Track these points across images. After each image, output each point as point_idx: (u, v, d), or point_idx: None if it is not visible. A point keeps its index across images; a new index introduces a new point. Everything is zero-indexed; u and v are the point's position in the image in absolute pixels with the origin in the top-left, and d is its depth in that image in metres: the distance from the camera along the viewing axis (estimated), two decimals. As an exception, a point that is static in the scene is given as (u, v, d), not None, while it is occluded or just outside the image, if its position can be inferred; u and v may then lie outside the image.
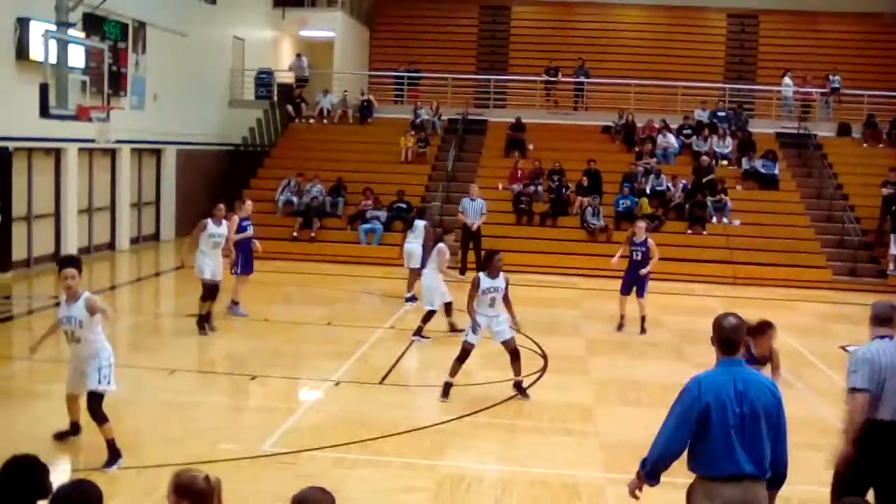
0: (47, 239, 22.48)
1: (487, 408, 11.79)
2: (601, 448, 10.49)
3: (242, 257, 16.78)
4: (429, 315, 15.71)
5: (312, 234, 25.24)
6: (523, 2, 39.16)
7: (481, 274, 12.21)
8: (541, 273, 23.11)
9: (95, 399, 9.22)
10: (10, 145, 20.44)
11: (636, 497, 6.19)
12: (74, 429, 9.84)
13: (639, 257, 16.93)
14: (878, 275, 24.07)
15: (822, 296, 22.65)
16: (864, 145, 30.16)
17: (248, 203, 17.58)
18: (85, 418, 9.60)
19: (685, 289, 20.17)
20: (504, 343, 12.35)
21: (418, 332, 15.67)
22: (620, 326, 17.23)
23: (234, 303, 16.96)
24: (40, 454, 4.96)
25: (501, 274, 12.20)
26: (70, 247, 22.87)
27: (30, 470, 4.80)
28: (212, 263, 15.32)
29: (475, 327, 12.08)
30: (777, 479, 5.93)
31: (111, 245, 25.50)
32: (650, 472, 6.04)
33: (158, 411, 11.29)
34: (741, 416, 5.74)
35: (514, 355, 12.35)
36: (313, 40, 36.86)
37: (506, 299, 12.30)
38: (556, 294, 21.27)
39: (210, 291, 15.31)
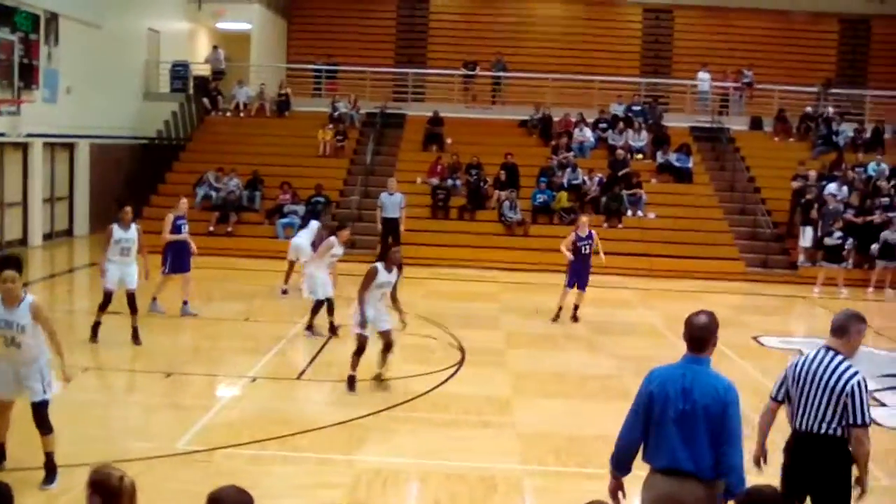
0: (-44, 234, 22.00)
1: (405, 402, 11.80)
2: (518, 440, 10.56)
3: (173, 255, 16.54)
4: (317, 306, 15.46)
5: (229, 229, 25.00)
6: (442, -6, 39.21)
7: (379, 265, 12.14)
8: (459, 267, 23.22)
9: (43, 407, 8.66)
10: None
11: (618, 500, 6.17)
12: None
13: (587, 251, 17.45)
14: (789, 266, 24.60)
15: (735, 287, 23.07)
16: (776, 139, 30.79)
17: (184, 200, 17.45)
18: (17, 423, 9.24)
19: (602, 281, 20.32)
20: (382, 333, 12.30)
21: (309, 326, 15.52)
22: (556, 317, 17.51)
23: (185, 302, 16.70)
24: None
25: (395, 269, 12.24)
26: (-21, 242, 22.45)
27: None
28: (118, 272, 14.57)
29: (364, 321, 12.02)
30: (729, 486, 5.74)
31: (23, 241, 24.96)
32: (614, 463, 6.15)
33: (72, 410, 11.04)
34: (682, 412, 5.80)
35: (388, 348, 12.37)
36: (230, 32, 36.45)
37: (393, 295, 12.39)
38: (473, 287, 21.37)
39: (108, 300, 14.50)
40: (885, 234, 23.66)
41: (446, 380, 12.81)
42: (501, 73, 33.32)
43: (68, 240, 27.21)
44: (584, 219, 18.25)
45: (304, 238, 18.91)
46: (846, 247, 23.47)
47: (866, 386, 6.52)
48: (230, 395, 12.30)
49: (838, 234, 23.52)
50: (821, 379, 6.56)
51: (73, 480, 8.73)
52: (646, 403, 5.94)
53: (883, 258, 23.45)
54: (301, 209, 25.03)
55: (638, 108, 31.37)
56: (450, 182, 26.73)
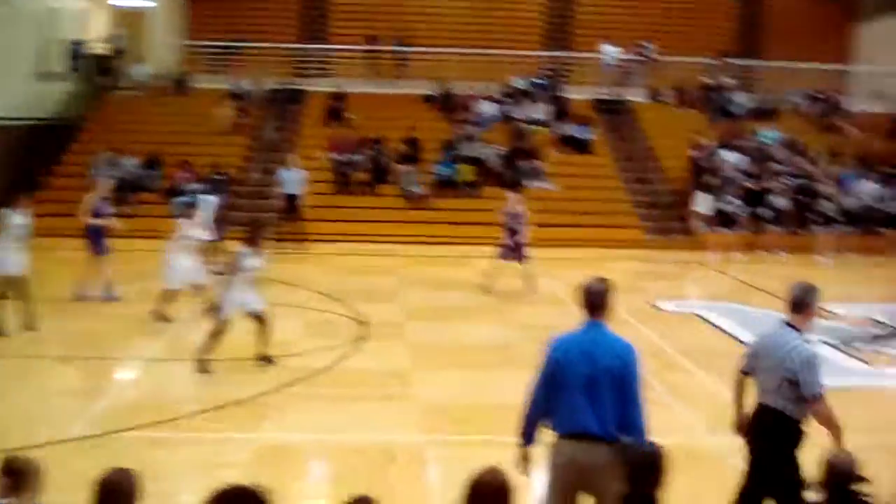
0: None
1: (305, 378, 11.79)
2: (419, 412, 10.63)
3: (97, 238, 16.22)
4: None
5: (129, 210, 24.57)
6: (342, -31, 38.81)
7: (246, 251, 11.96)
8: (361, 242, 23.18)
9: None
10: None
11: (525, 472, 6.24)
12: None
13: (518, 226, 18.00)
14: (687, 233, 25.07)
15: (635, 254, 23.46)
16: (675, 110, 31.25)
17: (106, 182, 17.10)
18: None
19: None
20: (255, 312, 12.22)
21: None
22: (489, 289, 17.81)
23: (106, 286, 16.36)
24: None
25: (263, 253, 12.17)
26: None
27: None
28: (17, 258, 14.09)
29: (228, 306, 11.89)
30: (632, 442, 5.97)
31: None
32: (521, 432, 6.23)
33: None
34: (586, 376, 5.95)
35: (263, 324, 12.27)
36: (128, 9, 35.68)
37: None
38: (376, 262, 21.37)
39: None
40: (775, 200, 24.33)
41: (347, 355, 12.81)
42: (403, 48, 33.19)
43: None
44: (512, 196, 19.00)
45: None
46: (740, 212, 24.04)
47: (817, 360, 6.63)
48: (126, 378, 12.16)
49: (735, 200, 24.07)
50: (775, 354, 6.69)
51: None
52: (551, 371, 6.08)
53: (774, 223, 24.17)
54: (200, 188, 24.69)
55: (539, 81, 31.55)
56: (352, 157, 26.61)
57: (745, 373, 7.10)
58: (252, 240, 12.10)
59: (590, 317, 6.19)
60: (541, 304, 17.44)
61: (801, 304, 6.80)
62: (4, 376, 11.99)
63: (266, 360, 12.32)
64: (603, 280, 6.28)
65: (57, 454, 8.98)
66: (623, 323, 15.60)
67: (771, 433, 6.73)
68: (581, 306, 6.26)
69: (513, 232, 18.05)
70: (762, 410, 6.80)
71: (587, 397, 5.92)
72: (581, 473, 5.97)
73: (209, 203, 19.13)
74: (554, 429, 6.12)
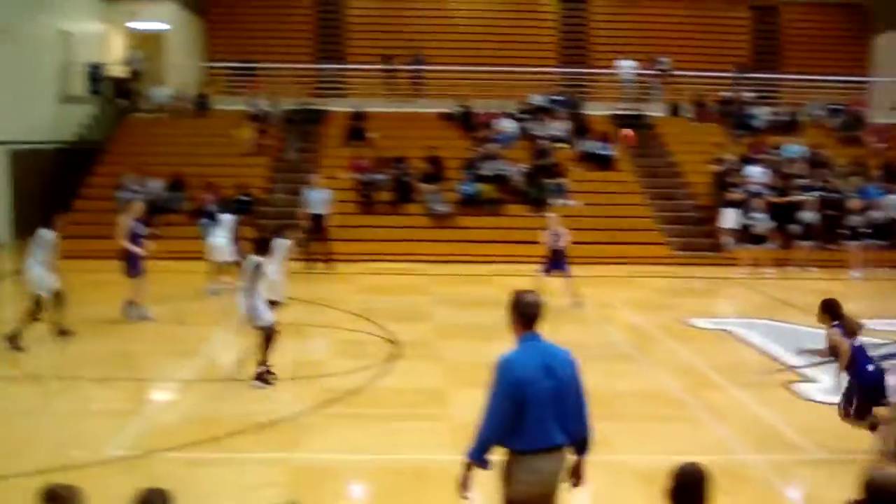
0: None
1: (339, 398, 11.77)
2: (453, 431, 10.55)
3: (132, 260, 16.35)
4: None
5: (155, 232, 24.64)
6: (358, -11, 39.03)
7: (261, 259, 12.28)
8: (387, 261, 23.17)
9: None
10: None
11: (467, 493, 6.22)
12: None
13: (559, 246, 18.57)
14: (714, 248, 24.95)
15: (662, 271, 23.35)
16: (694, 124, 31.18)
17: (139, 204, 17.36)
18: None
19: (531, 270, 20.44)
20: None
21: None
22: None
23: (132, 303, 16.45)
24: None
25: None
26: None
27: None
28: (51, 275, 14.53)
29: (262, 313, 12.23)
30: (584, 443, 6.24)
31: (-58, 251, 24.46)
32: (481, 455, 6.09)
33: (-1, 420, 10.90)
34: (551, 389, 5.98)
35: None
36: (145, 32, 35.92)
37: None
38: (403, 281, 21.34)
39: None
40: (803, 215, 24.22)
41: (379, 374, 12.79)
42: (420, 67, 33.25)
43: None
44: (550, 215, 19.76)
45: (220, 237, 18.94)
46: (768, 228, 23.94)
47: None
48: (162, 399, 12.17)
49: (761, 215, 23.98)
50: None
51: (2, 493, 8.58)
52: (518, 391, 5.95)
53: (803, 238, 24.03)
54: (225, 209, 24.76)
55: (558, 97, 31.56)
56: (375, 176, 26.63)
57: None
58: (263, 248, 12.46)
59: (529, 329, 6.21)
60: (566, 321, 17.35)
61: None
62: (43, 397, 12.02)
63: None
64: (534, 291, 6.40)
65: (96, 475, 8.99)
66: (654, 340, 15.62)
67: None
68: (518, 319, 6.25)
69: (556, 250, 18.55)
70: None
71: (554, 410, 5.99)
72: (551, 485, 6.09)
73: (228, 222, 19.26)
74: (517, 447, 6.04)
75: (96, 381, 12.56)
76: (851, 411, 9.50)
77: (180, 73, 33.69)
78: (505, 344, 15.42)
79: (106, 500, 8.29)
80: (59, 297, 14.71)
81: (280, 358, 12.38)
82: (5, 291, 21.54)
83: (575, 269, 22.77)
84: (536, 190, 26.10)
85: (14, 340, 14.01)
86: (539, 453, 6.01)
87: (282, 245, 15.62)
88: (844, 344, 9.57)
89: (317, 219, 22.55)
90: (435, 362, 13.84)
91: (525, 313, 6.21)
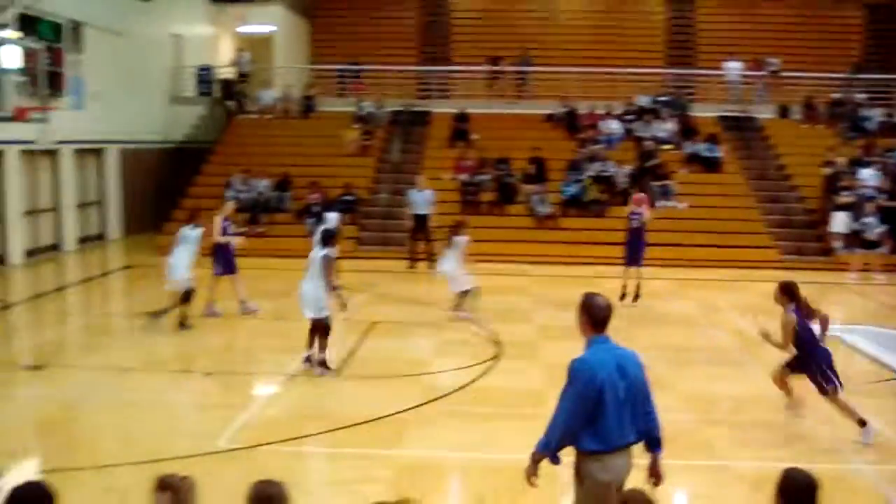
0: (-9, 242, 22.23)
1: (443, 396, 11.81)
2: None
3: (223, 258, 16.73)
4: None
5: (260, 230, 25.07)
6: (462, -9, 39.17)
7: (330, 251, 12.83)
8: (490, 262, 23.11)
9: None
10: (-51, 149, 20.16)
11: (534, 484, 6.31)
12: None
13: (636, 224, 18.40)
14: (824, 253, 24.38)
15: (770, 275, 22.74)
16: (804, 126, 30.52)
17: (230, 203, 17.88)
18: (60, 424, 9.47)
19: (633, 272, 20.29)
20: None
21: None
22: (622, 297, 18.10)
23: (242, 301, 16.92)
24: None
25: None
26: (15, 248, 22.63)
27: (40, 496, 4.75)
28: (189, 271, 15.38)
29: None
30: (656, 442, 6.33)
31: (57, 246, 25.18)
32: (555, 451, 6.19)
33: (113, 411, 11.18)
34: (626, 389, 6.09)
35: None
36: (253, 35, 36.56)
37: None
38: (506, 282, 21.31)
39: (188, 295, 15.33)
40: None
41: (483, 374, 12.78)
42: (526, 68, 33.19)
43: (101, 244, 27.37)
44: (636, 196, 19.30)
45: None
46: (879, 232, 23.30)
47: None
48: (268, 393, 12.36)
49: (872, 219, 23.36)
50: None
51: (116, 480, 8.80)
52: (596, 393, 6.03)
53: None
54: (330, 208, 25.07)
55: (664, 98, 31.20)
56: (478, 177, 26.67)
57: None
58: (329, 241, 12.92)
59: (600, 331, 6.32)
60: (671, 324, 17.19)
61: None
62: (153, 390, 12.29)
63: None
64: (603, 295, 6.41)
65: (204, 466, 9.15)
66: (760, 345, 15.27)
67: None
68: (589, 322, 6.34)
69: (634, 231, 18.48)
70: None
71: (631, 409, 6.12)
72: (621, 483, 6.13)
73: (332, 220, 19.53)
74: (591, 447, 6.08)
75: (206, 375, 12.80)
76: (834, 386, 10.30)
77: (287, 74, 34.18)
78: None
79: (214, 492, 8.46)
80: (189, 294, 15.34)
81: (385, 356, 12.48)
82: (115, 286, 22.17)
83: (681, 272, 22.62)
84: (642, 191, 25.78)
85: (157, 315, 15.40)
86: (613, 452, 6.07)
87: (460, 241, 16.77)
88: (792, 322, 10.38)
89: (420, 219, 22.64)
90: (536, 363, 13.79)
91: (596, 315, 6.30)
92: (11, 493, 4.53)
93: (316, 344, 12.85)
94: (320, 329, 12.77)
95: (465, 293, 16.79)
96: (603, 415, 6.02)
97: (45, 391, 12.15)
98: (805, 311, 10.46)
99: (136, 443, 9.80)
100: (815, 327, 10.52)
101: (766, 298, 19.98)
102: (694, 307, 18.76)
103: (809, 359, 10.45)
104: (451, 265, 16.82)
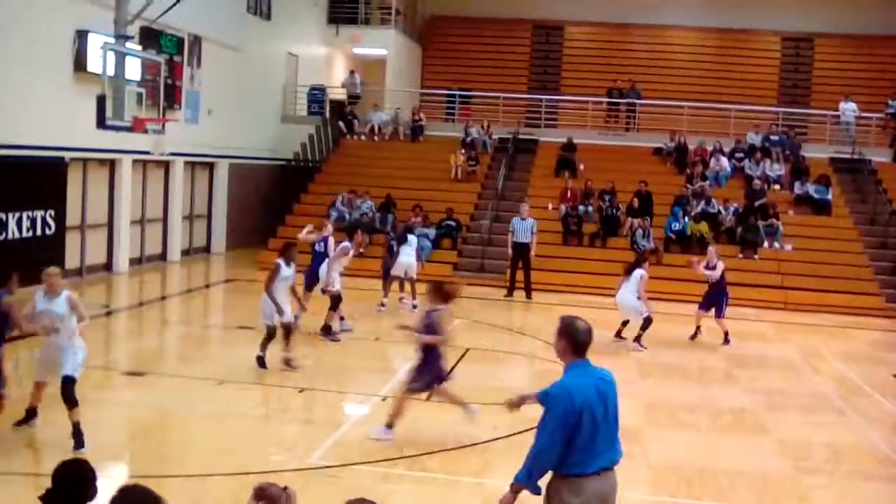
0: (100, 248, 22.80)
1: (533, 427, 11.67)
2: (648, 469, 10.38)
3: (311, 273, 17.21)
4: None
5: (362, 250, 25.26)
6: (576, 22, 39.08)
7: (281, 261, 13.71)
8: (589, 294, 22.97)
9: (70, 384, 9.78)
10: (67, 155, 20.76)
11: None
12: (30, 415, 10.32)
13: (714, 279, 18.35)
14: (932, 303, 23.69)
15: (874, 323, 22.31)
16: (920, 171, 29.71)
17: (328, 223, 18.33)
18: (154, 431, 9.67)
19: (736, 313, 19.95)
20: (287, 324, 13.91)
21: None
22: (694, 336, 18.48)
23: (341, 318, 17.15)
24: (93, 460, 5.00)
25: (293, 263, 13.87)
26: (122, 257, 23.18)
27: (82, 474, 4.86)
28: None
29: (281, 311, 13.66)
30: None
31: (163, 256, 25.75)
32: (535, 480, 6.14)
33: (206, 422, 11.36)
34: (603, 415, 6.05)
35: (288, 333, 13.96)
36: (366, 58, 37.07)
37: (292, 287, 14.24)
38: (604, 315, 20.99)
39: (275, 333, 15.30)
40: None
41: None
42: (636, 100, 33.01)
43: (206, 256, 27.91)
44: (710, 249, 19.32)
45: (408, 255, 19.85)
46: None
47: None
48: (361, 413, 12.41)
49: None
50: None
51: (204, 491, 8.92)
52: (576, 419, 5.96)
53: None
54: (432, 232, 25.17)
55: (776, 137, 30.70)
56: (582, 208, 26.55)
57: None
58: (285, 255, 13.87)
59: (579, 355, 6.18)
60: (773, 368, 16.86)
61: None
62: (245, 402, 12.45)
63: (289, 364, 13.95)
64: (581, 318, 6.25)
65: (293, 481, 9.18)
66: (862, 394, 14.93)
67: None
68: (567, 346, 6.17)
69: (711, 285, 18.38)
70: None
71: (608, 433, 6.09)
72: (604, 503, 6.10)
73: (414, 242, 20.24)
74: (565, 470, 6.03)
75: (300, 391, 12.91)
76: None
77: (397, 98, 34.51)
78: (705, 387, 15.11)
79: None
80: (337, 300, 16.46)
81: (477, 383, 12.44)
82: (215, 298, 22.53)
83: (783, 315, 22.18)
84: (748, 231, 25.43)
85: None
86: (587, 476, 6.01)
87: (638, 273, 17.32)
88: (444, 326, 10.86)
89: (521, 247, 22.57)
90: (633, 400, 13.57)
91: (576, 340, 6.16)
92: (120, 494, 4.54)
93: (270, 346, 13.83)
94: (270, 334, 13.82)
95: (646, 324, 17.36)
96: (580, 438, 5.97)
97: (141, 398, 12.40)
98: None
99: (226, 455, 9.93)
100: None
101: (868, 346, 19.63)
102: (795, 351, 18.36)
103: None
104: (627, 296, 17.35)
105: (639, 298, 17.29)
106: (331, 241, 17.28)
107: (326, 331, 16.41)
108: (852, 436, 12.45)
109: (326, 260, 16.86)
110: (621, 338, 17.71)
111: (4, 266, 11.06)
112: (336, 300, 16.49)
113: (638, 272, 17.37)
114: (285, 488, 4.95)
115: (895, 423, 13.24)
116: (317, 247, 17.28)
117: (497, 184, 28.43)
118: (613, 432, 6.17)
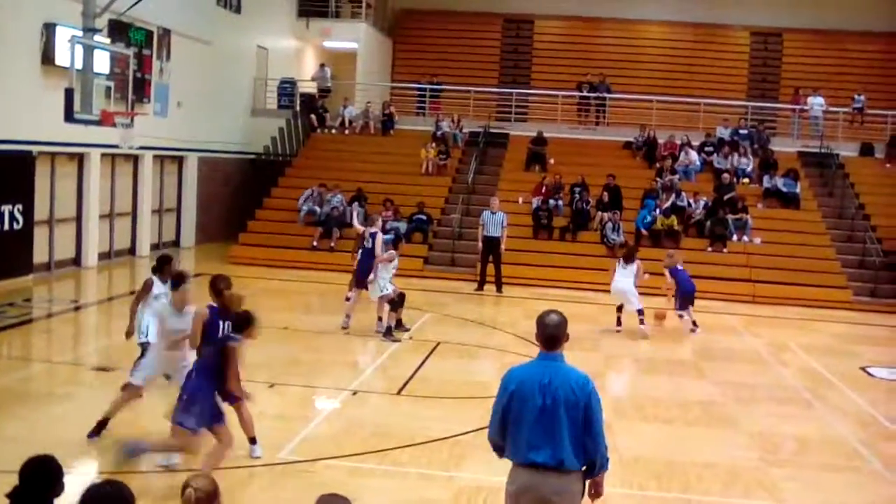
0: (69, 243, 22.60)
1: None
2: (619, 463, 10.39)
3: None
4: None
5: (332, 244, 25.24)
6: (547, 16, 39.13)
7: (154, 277, 11.71)
8: (559, 288, 23.07)
9: None
10: (35, 149, 20.58)
11: None
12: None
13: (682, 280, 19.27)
14: (899, 296, 23.94)
15: (841, 316, 22.49)
16: (887, 165, 29.97)
17: (378, 220, 18.51)
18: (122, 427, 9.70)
19: (704, 306, 20.06)
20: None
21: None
22: (693, 329, 18.96)
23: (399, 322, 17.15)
24: (60, 456, 4.97)
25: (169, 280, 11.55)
26: (91, 251, 23.01)
27: (49, 470, 4.85)
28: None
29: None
30: (591, 466, 6.13)
31: (132, 251, 25.60)
32: (495, 449, 6.38)
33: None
34: (541, 408, 5.98)
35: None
36: (336, 51, 36.97)
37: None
38: (574, 309, 21.07)
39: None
40: None
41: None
42: (605, 94, 33.09)
43: (175, 250, 27.73)
44: (669, 252, 20.91)
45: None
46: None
47: None
48: (332, 408, 12.40)
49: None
50: None
51: (176, 486, 8.88)
52: (507, 402, 6.10)
53: None
54: (403, 226, 25.12)
55: (744, 131, 30.88)
56: (552, 202, 26.61)
57: None
58: (161, 270, 11.80)
59: (547, 349, 6.17)
60: (741, 361, 16.97)
61: None
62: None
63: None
64: (559, 313, 6.21)
65: (262, 478, 9.28)
66: (829, 386, 15.07)
67: None
68: (537, 339, 6.22)
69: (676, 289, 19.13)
70: None
71: (542, 429, 5.97)
72: (537, 502, 6.04)
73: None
74: (509, 457, 6.19)
75: (270, 386, 12.88)
76: None
77: (368, 91, 34.46)
78: (673, 379, 15.18)
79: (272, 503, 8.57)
80: (398, 300, 16.59)
81: (448, 377, 12.46)
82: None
83: (751, 308, 22.35)
84: (717, 225, 25.58)
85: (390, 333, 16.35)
86: (523, 467, 6.06)
87: (638, 263, 18.58)
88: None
89: (491, 241, 22.61)
90: (602, 393, 13.59)
91: (542, 332, 6.20)
92: (90, 491, 4.52)
93: None
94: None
95: (642, 312, 18.08)
96: (513, 427, 6.07)
97: (110, 394, 12.31)
98: (224, 307, 9.41)
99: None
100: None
101: (835, 339, 19.79)
102: (762, 344, 18.51)
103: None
104: (626, 283, 18.10)
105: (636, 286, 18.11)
106: (379, 236, 17.24)
107: (390, 329, 16.49)
108: (820, 428, 12.58)
109: (373, 258, 16.84)
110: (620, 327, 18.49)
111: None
112: (394, 302, 16.60)
113: (638, 262, 18.41)
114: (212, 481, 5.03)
115: (862, 415, 13.35)
116: (366, 243, 17.20)
117: (468, 178, 28.45)
118: (557, 431, 5.96)
